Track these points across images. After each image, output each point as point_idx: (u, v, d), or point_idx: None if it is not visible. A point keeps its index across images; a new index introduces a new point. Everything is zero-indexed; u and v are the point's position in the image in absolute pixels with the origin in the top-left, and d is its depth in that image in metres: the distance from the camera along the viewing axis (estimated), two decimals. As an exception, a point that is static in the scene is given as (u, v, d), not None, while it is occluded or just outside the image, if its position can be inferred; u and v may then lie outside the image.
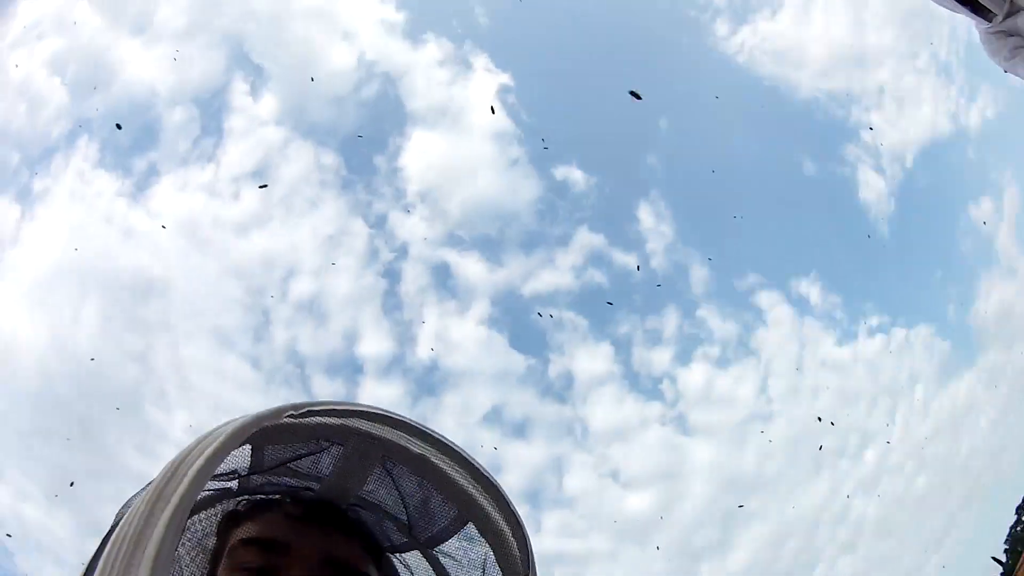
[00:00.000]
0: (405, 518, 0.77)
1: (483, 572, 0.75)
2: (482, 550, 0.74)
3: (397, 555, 0.83)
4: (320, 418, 0.68)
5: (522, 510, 0.73)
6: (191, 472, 0.56)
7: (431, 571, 0.81)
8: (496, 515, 0.71)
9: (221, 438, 0.59)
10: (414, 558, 0.82)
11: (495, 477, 0.70)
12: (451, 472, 0.70)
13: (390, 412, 0.67)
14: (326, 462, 0.74)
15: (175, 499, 0.55)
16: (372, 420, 0.68)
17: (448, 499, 0.73)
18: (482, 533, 0.73)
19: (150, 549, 0.53)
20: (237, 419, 0.61)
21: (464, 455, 0.69)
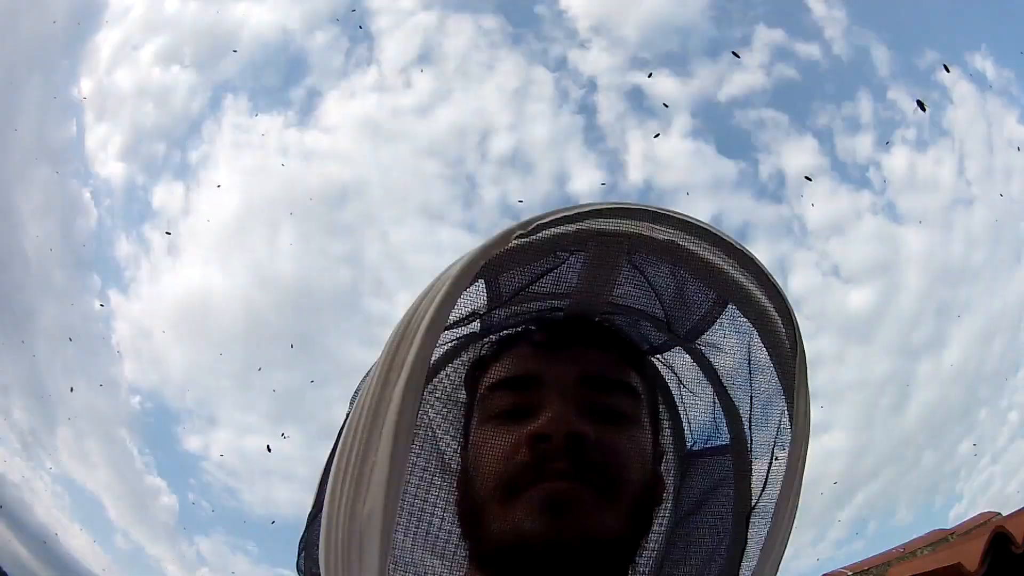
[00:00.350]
0: (662, 313, 0.72)
1: (749, 356, 0.71)
2: (746, 333, 0.70)
3: (658, 357, 0.78)
4: (552, 229, 0.63)
5: None
6: (422, 328, 0.54)
7: (696, 366, 0.76)
8: (757, 292, 0.66)
9: (448, 282, 0.56)
10: (677, 356, 0.77)
11: (751, 250, 0.65)
12: (703, 252, 0.65)
13: (623, 203, 0.62)
14: (569, 275, 0.69)
15: (410, 359, 0.53)
16: (607, 216, 0.63)
17: (704, 283, 0.68)
18: (744, 314, 0.68)
19: (390, 416, 0.52)
20: (462, 257, 0.57)
21: (713, 231, 0.63)
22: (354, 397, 0.64)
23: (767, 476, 0.69)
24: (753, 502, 0.71)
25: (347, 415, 0.60)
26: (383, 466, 0.51)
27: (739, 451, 0.73)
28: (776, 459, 0.69)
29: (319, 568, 0.55)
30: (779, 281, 0.64)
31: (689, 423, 0.77)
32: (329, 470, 0.57)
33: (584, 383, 0.64)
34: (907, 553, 2.97)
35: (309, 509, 0.66)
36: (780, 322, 0.66)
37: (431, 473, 0.72)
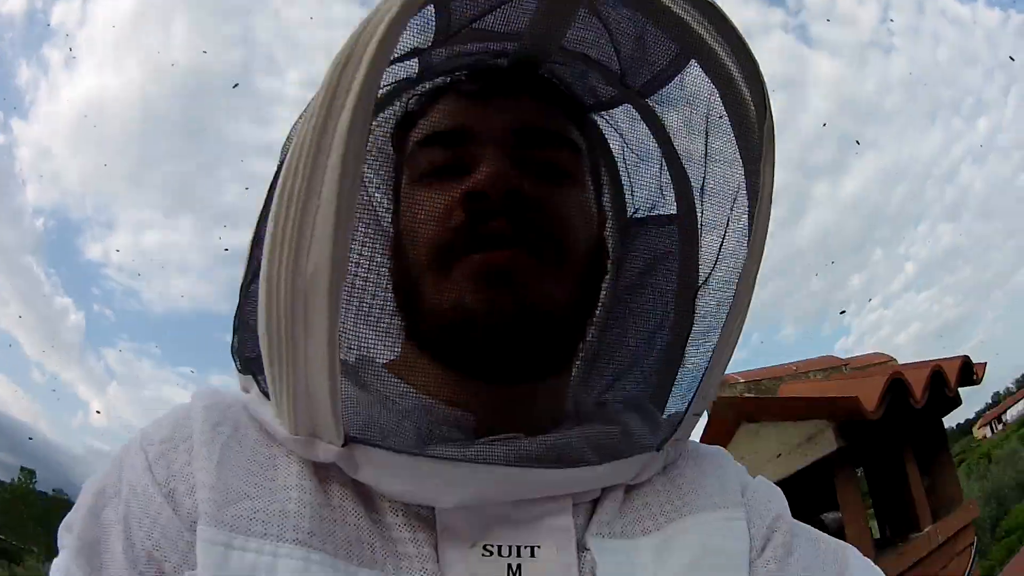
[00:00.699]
0: (616, 64, 0.65)
1: (707, 120, 0.63)
2: (707, 94, 0.61)
3: (603, 114, 0.70)
4: None
5: None
6: (372, 46, 0.46)
7: (646, 129, 0.68)
8: (723, 53, 0.58)
9: (398, 3, 0.46)
10: (622, 114, 0.69)
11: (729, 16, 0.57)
12: (670, 3, 0.57)
13: None
14: (521, 15, 0.61)
15: (358, 81, 0.45)
16: None
17: (668, 34, 0.60)
18: (708, 72, 0.60)
19: (336, 147, 0.45)
20: None
21: None
22: (286, 146, 0.59)
23: (719, 251, 0.64)
24: (702, 280, 0.66)
25: (280, 162, 0.56)
26: (329, 208, 0.45)
27: (687, 221, 0.67)
28: (731, 232, 0.63)
29: (258, 345, 0.50)
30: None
31: (632, 188, 0.71)
32: (263, 229, 0.49)
33: (519, 135, 0.58)
34: (799, 372, 2.70)
35: (241, 280, 0.58)
36: (746, 86, 0.58)
37: (366, 235, 0.65)
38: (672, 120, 0.67)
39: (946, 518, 2.88)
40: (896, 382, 2.46)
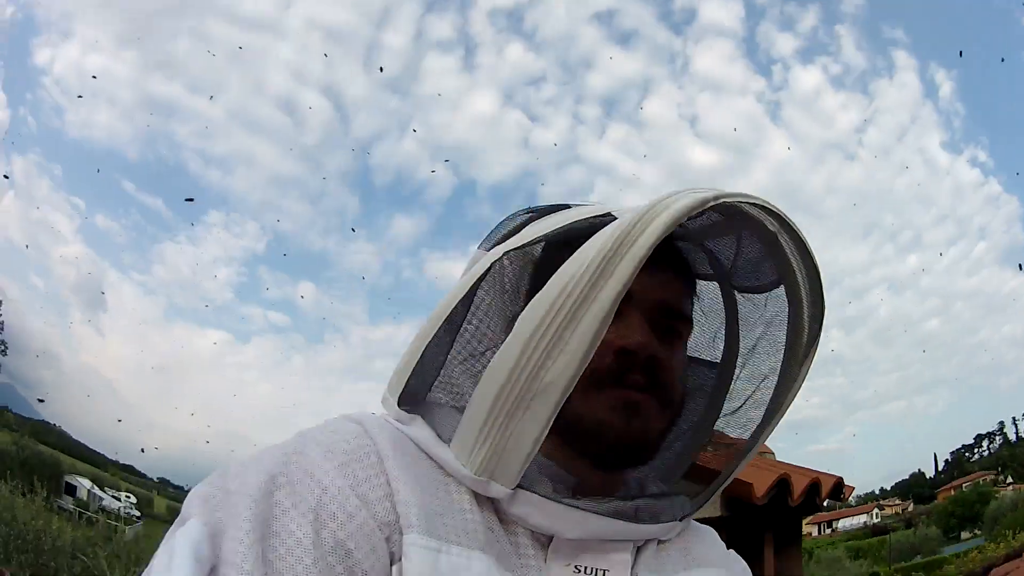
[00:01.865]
0: (728, 264, 0.84)
1: (771, 321, 0.83)
2: (778, 307, 0.81)
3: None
4: (726, 209, 0.70)
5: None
6: (631, 256, 0.62)
7: (720, 303, 0.88)
8: (804, 287, 0.77)
9: (657, 231, 0.63)
10: (708, 288, 0.88)
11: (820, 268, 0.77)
12: (786, 248, 0.75)
13: (764, 200, 0.70)
14: (695, 223, 0.79)
15: (621, 274, 0.62)
16: (751, 203, 0.69)
17: (776, 267, 0.78)
18: (788, 296, 0.79)
19: (596, 313, 0.62)
20: (665, 204, 0.64)
21: (806, 245, 0.74)
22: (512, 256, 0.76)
23: (739, 407, 0.86)
24: (721, 414, 0.88)
25: (483, 275, 0.73)
26: (580, 347, 0.62)
27: (724, 373, 0.88)
28: (750, 402, 0.85)
29: (431, 394, 0.75)
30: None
31: (692, 334, 0.87)
32: (460, 320, 0.75)
33: (661, 308, 0.76)
34: None
35: (448, 347, 0.75)
36: (808, 329, 0.78)
37: None
38: (744, 307, 0.86)
39: None
40: (782, 481, 2.96)
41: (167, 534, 0.57)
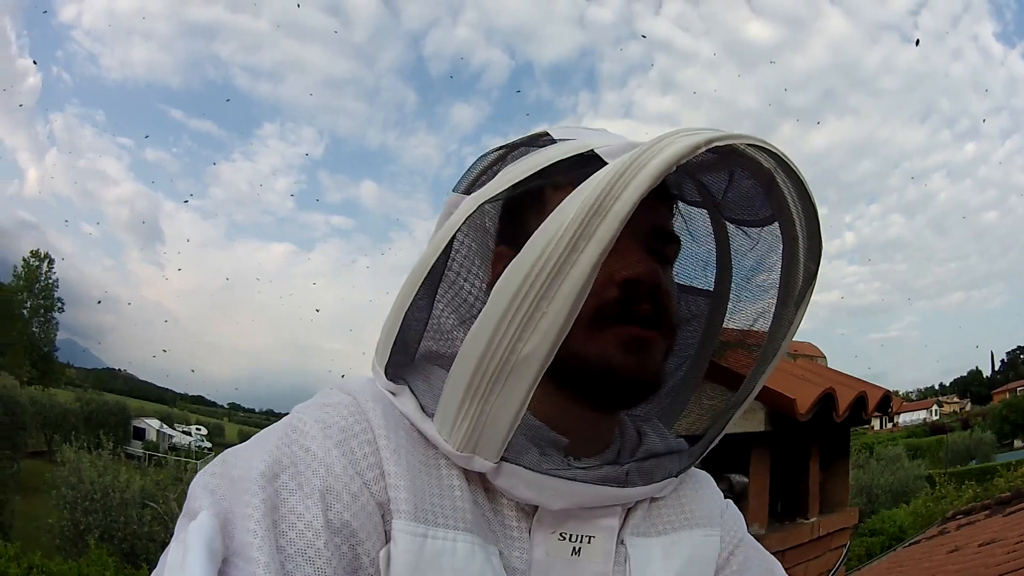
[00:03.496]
0: (720, 196, 0.80)
1: (763, 258, 0.81)
2: (772, 242, 0.79)
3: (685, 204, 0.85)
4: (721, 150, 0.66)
5: None
6: (613, 214, 0.58)
7: (709, 230, 0.85)
8: (802, 234, 0.75)
9: (643, 184, 0.59)
10: (699, 215, 0.85)
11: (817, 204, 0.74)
12: (785, 188, 0.72)
13: (761, 139, 0.66)
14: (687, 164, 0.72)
15: (601, 236, 0.58)
16: (747, 142, 0.66)
17: (772, 205, 0.75)
18: (782, 233, 0.77)
19: (575, 281, 0.59)
20: (653, 152, 0.60)
21: (804, 183, 0.71)
22: (444, 225, 0.71)
23: (741, 338, 0.85)
24: (714, 354, 0.87)
25: (448, 245, 0.70)
26: (557, 319, 0.59)
27: (717, 304, 0.86)
28: (751, 336, 0.83)
29: (412, 366, 0.73)
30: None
31: (687, 264, 0.86)
32: (431, 288, 0.72)
33: (655, 232, 0.74)
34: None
35: (410, 323, 0.72)
36: (804, 261, 0.76)
37: None
38: (734, 234, 0.83)
39: (830, 515, 3.29)
40: (826, 396, 2.90)
41: (177, 528, 0.56)
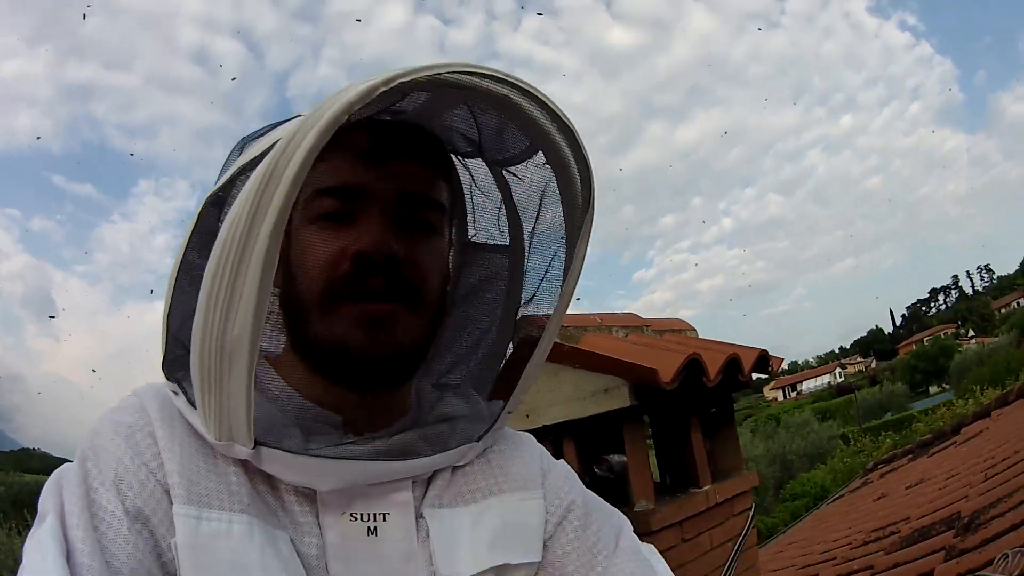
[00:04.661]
0: (477, 138, 0.77)
1: (543, 193, 0.79)
2: (546, 175, 0.78)
3: (461, 159, 0.83)
4: (410, 87, 0.63)
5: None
6: (287, 177, 0.57)
7: (493, 184, 0.83)
8: (568, 153, 0.73)
9: (312, 137, 0.57)
10: (478, 168, 0.83)
11: (573, 122, 0.72)
12: (530, 110, 0.70)
13: (477, 65, 0.64)
14: (406, 105, 0.72)
15: (276, 204, 0.57)
16: (461, 73, 0.64)
17: (522, 130, 0.73)
18: (548, 161, 0.76)
19: (257, 255, 0.58)
20: (322, 108, 0.58)
21: (546, 99, 0.69)
22: (216, 201, 0.69)
23: (538, 288, 0.83)
24: (523, 301, 0.84)
25: (200, 221, 0.69)
26: (250, 297, 0.59)
27: (515, 255, 0.84)
28: (548, 276, 0.82)
29: (183, 362, 0.67)
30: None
31: (475, 218, 0.86)
32: (177, 286, 0.69)
33: (402, 199, 0.71)
34: (603, 326, 2.99)
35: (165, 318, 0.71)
36: (579, 181, 0.75)
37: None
38: (514, 183, 0.82)
39: (725, 482, 3.20)
40: (692, 361, 2.75)
41: (31, 533, 0.59)
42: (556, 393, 2.54)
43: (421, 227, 0.73)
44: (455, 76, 0.63)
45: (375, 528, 0.69)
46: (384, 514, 0.70)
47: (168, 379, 0.71)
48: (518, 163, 0.79)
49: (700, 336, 3.55)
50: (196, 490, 0.63)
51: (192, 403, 0.67)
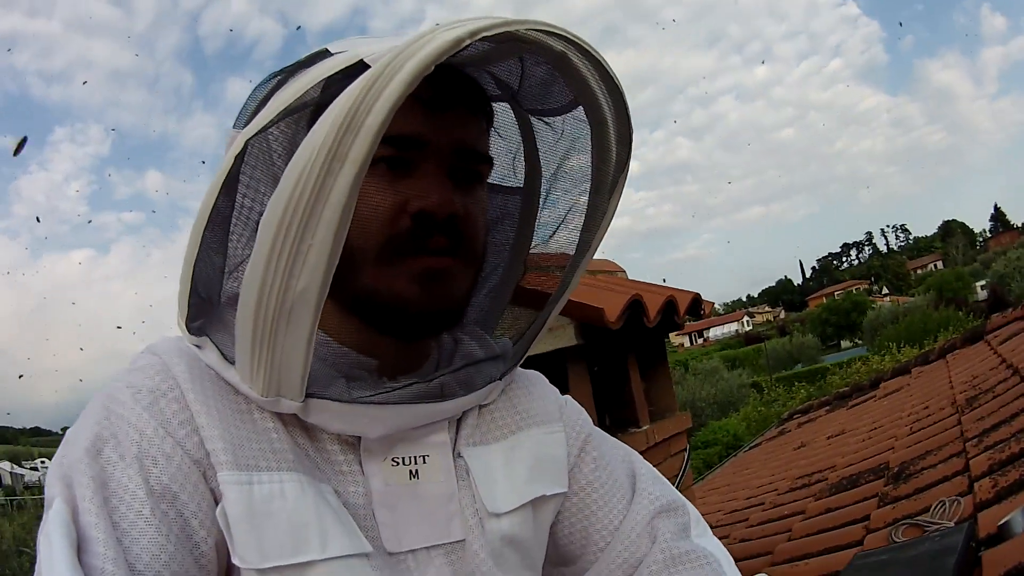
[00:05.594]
0: (516, 86, 0.75)
1: (573, 144, 0.78)
2: (581, 130, 0.76)
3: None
4: (491, 40, 0.60)
5: None
6: (368, 125, 0.54)
7: (515, 126, 0.81)
8: (607, 108, 0.72)
9: (399, 87, 0.54)
10: (502, 108, 0.80)
11: (622, 84, 0.71)
12: (583, 69, 0.69)
13: (545, 22, 0.62)
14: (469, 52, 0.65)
15: (356, 155, 0.54)
16: (529, 27, 0.61)
17: (569, 86, 0.72)
18: (588, 118, 0.74)
19: (333, 207, 0.55)
20: (406, 54, 0.54)
21: (598, 57, 0.67)
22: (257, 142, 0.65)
23: (556, 228, 0.82)
24: (531, 250, 0.83)
25: (232, 171, 0.64)
26: (323, 250, 0.56)
27: (528, 200, 0.83)
28: (564, 224, 0.82)
29: (212, 319, 0.67)
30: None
31: (498, 161, 0.81)
32: (213, 235, 0.65)
33: (459, 152, 0.69)
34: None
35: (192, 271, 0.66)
36: (616, 140, 0.74)
37: None
38: (543, 130, 0.80)
39: (661, 422, 3.27)
40: (635, 302, 2.87)
41: (43, 522, 0.55)
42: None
43: (473, 180, 0.72)
44: (530, 33, 0.62)
45: (417, 471, 0.69)
46: (424, 456, 0.70)
47: (191, 334, 0.68)
48: (557, 115, 0.78)
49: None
50: (242, 454, 0.61)
51: (226, 358, 0.65)
